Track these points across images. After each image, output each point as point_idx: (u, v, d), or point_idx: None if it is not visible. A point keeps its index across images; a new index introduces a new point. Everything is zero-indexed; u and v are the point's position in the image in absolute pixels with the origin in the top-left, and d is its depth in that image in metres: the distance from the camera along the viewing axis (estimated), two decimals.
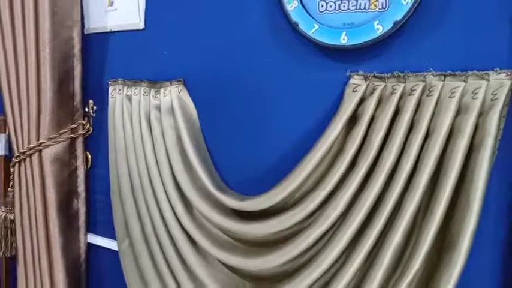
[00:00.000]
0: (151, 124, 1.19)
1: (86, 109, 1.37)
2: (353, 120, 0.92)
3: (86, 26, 1.34)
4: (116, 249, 1.33)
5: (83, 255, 1.40)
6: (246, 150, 1.09)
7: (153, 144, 1.18)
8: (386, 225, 0.87)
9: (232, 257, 1.05)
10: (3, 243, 1.41)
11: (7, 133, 1.59)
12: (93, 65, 1.35)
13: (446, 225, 0.81)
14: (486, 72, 0.79)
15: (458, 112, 0.81)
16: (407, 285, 0.83)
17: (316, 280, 0.94)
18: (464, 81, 0.81)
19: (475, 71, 0.80)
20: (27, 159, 1.32)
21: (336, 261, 0.92)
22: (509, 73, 0.77)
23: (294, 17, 0.95)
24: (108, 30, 1.31)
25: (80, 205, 1.39)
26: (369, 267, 0.88)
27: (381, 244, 0.87)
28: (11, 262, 1.58)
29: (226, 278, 1.08)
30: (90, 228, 1.42)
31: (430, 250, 0.81)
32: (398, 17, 0.84)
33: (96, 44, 1.34)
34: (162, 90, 1.19)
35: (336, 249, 0.91)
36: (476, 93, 0.80)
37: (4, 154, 1.59)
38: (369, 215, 0.89)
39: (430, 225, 0.80)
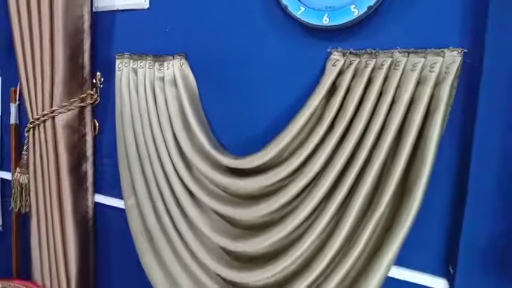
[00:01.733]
0: (156, 94, 1.33)
1: (94, 81, 1.51)
2: (332, 90, 1.08)
3: (95, 5, 1.47)
4: (120, 206, 1.48)
5: (90, 213, 1.55)
6: (239, 116, 1.25)
7: (157, 111, 1.32)
8: (357, 177, 1.04)
9: (226, 208, 1.21)
10: (18, 200, 1.55)
11: (17, 103, 1.73)
12: (101, 41, 1.49)
13: (406, 175, 0.99)
14: (442, 50, 0.95)
15: (419, 83, 0.97)
16: (375, 224, 1.00)
17: (299, 225, 1.11)
18: (424, 57, 0.97)
19: (433, 49, 0.96)
20: (41, 125, 1.46)
21: (315, 209, 1.09)
22: (460, 51, 0.94)
23: (284, 0, 1.10)
24: (116, 9, 1.44)
25: (88, 168, 1.53)
26: (343, 211, 1.05)
27: (353, 193, 1.04)
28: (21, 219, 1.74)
29: (221, 226, 1.25)
30: (97, 188, 1.57)
31: (393, 195, 0.99)
32: (372, 2, 1.00)
33: (104, 21, 1.47)
34: (165, 63, 1.33)
35: (316, 198, 1.07)
36: (433, 67, 0.96)
37: (15, 122, 1.73)
38: (343, 170, 1.06)
39: (393, 175, 0.98)
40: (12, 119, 1.72)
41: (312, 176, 1.09)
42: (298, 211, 1.10)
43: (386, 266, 1.00)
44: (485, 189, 0.93)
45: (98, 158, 1.56)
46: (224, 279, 1.24)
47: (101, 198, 1.56)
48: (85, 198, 1.53)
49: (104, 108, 1.52)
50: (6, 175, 1.81)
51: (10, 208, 1.60)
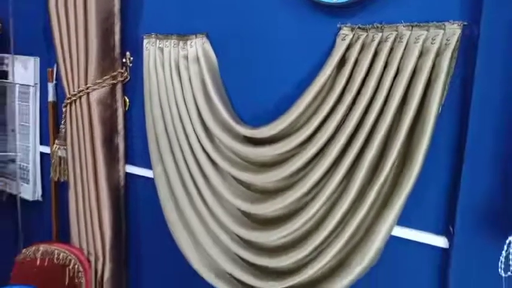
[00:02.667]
0: (180, 71, 1.44)
1: (124, 60, 1.63)
2: (342, 63, 1.17)
3: None
4: (149, 176, 1.62)
5: (122, 182, 1.69)
6: (256, 90, 1.35)
7: (182, 87, 1.44)
8: (364, 143, 1.13)
9: (244, 174, 1.32)
10: (57, 170, 1.71)
11: (54, 82, 1.87)
12: (130, 23, 1.61)
13: (409, 140, 1.07)
14: (443, 23, 1.02)
15: (421, 54, 1.05)
16: (381, 186, 1.09)
17: (311, 189, 1.22)
18: (427, 30, 1.04)
19: (434, 22, 1.03)
20: (77, 101, 1.60)
21: (325, 174, 1.19)
22: (459, 24, 1.01)
23: None
24: None
25: (120, 141, 1.67)
26: (351, 176, 1.14)
27: (360, 158, 1.13)
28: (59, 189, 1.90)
29: (240, 191, 1.36)
30: (128, 160, 1.71)
31: (397, 159, 1.08)
32: None
33: (132, 5, 1.59)
34: (188, 42, 1.43)
35: (325, 164, 1.17)
36: (434, 40, 1.03)
37: (52, 100, 1.88)
38: (350, 137, 1.15)
39: (397, 139, 1.06)
40: (50, 97, 1.87)
41: (322, 144, 1.18)
42: (309, 176, 1.20)
43: (391, 224, 1.09)
44: (482, 150, 1.00)
45: (128, 131, 1.69)
46: (242, 239, 1.36)
47: (131, 169, 1.70)
48: (117, 169, 1.67)
49: (133, 86, 1.65)
50: (45, 149, 1.97)
51: (50, 178, 1.75)
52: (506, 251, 0.87)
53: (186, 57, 1.44)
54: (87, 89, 1.56)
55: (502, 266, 0.89)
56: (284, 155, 1.28)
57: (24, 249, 1.85)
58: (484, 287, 1.01)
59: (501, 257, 0.88)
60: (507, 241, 0.86)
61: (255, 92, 1.36)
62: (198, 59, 1.42)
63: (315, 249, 1.23)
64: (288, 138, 1.25)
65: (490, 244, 0.99)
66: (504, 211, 0.98)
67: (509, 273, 0.89)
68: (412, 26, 1.06)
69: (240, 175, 1.34)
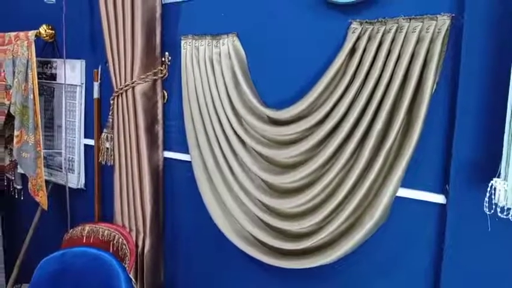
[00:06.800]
0: (214, 65, 1.68)
1: (163, 59, 1.88)
2: (352, 52, 1.40)
3: None
4: (183, 159, 1.86)
5: (161, 165, 1.93)
6: (279, 78, 1.58)
7: (215, 78, 1.68)
8: (372, 118, 1.34)
9: (267, 150, 1.56)
10: (105, 154, 1.95)
11: (99, 81, 2.14)
12: (169, 26, 1.86)
13: (410, 113, 1.29)
14: (435, 15, 1.25)
15: (418, 41, 1.27)
16: (387, 153, 1.31)
17: (326, 162, 1.43)
18: (422, 22, 1.27)
19: (428, 15, 1.26)
20: (124, 94, 1.85)
21: (338, 148, 1.41)
22: (449, 16, 1.24)
23: None
24: (180, 0, 1.82)
25: (159, 129, 1.91)
26: (360, 149, 1.36)
27: (368, 132, 1.35)
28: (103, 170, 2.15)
29: (264, 165, 1.59)
30: (166, 146, 1.95)
31: (400, 128, 1.30)
32: None
33: (171, 11, 1.85)
34: (221, 40, 1.68)
35: (338, 139, 1.38)
36: (428, 29, 1.26)
37: (97, 97, 2.14)
38: (360, 114, 1.36)
39: (400, 112, 1.28)
40: (95, 94, 2.14)
41: (336, 121, 1.40)
42: (325, 150, 1.42)
43: (396, 185, 1.31)
44: (469, 118, 1.22)
45: (166, 121, 1.93)
46: (265, 205, 1.59)
47: (168, 154, 1.94)
48: (157, 153, 1.91)
49: (171, 81, 1.90)
50: (88, 141, 2.22)
51: (92, 168, 1.98)
52: (489, 192, 1.07)
53: (219, 54, 1.68)
54: (133, 83, 1.81)
55: (486, 205, 1.09)
56: (303, 133, 1.50)
57: (71, 229, 2.08)
58: (474, 228, 1.21)
59: (485, 198, 1.08)
60: (489, 184, 1.07)
61: (278, 80, 1.59)
62: (229, 54, 1.66)
63: (331, 213, 1.44)
64: (306, 118, 1.47)
65: (479, 194, 1.19)
66: (487, 165, 1.18)
67: (492, 211, 1.09)
68: (410, 19, 1.29)
69: (265, 151, 1.57)
